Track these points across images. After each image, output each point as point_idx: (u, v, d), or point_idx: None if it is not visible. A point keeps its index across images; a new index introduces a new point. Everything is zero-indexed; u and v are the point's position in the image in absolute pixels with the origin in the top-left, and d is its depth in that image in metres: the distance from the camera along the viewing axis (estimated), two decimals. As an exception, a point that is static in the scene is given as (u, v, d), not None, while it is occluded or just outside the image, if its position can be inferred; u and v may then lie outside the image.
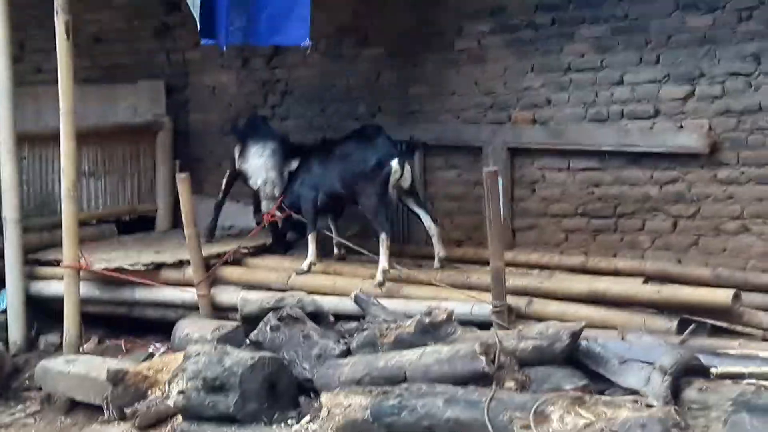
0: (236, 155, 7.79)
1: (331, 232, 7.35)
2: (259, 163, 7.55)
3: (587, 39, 7.15)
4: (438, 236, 6.97)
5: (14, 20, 7.65)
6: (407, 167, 6.79)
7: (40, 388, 6.46)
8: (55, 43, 7.01)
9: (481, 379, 4.82)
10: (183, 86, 9.27)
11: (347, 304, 6.27)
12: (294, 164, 7.45)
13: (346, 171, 6.89)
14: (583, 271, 6.60)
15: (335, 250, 7.39)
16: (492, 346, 4.95)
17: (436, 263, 6.93)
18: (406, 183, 6.84)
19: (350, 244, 7.16)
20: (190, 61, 9.21)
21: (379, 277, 6.54)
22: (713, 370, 4.71)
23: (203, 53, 8.94)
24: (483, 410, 4.42)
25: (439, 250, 6.95)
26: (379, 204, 6.74)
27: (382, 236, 6.59)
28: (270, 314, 5.90)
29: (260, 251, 7.49)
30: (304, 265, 6.98)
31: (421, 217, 7.05)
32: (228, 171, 7.96)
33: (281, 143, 7.59)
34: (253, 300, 6.28)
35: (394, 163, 6.70)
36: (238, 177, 7.81)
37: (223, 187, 7.96)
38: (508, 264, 6.34)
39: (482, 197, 6.14)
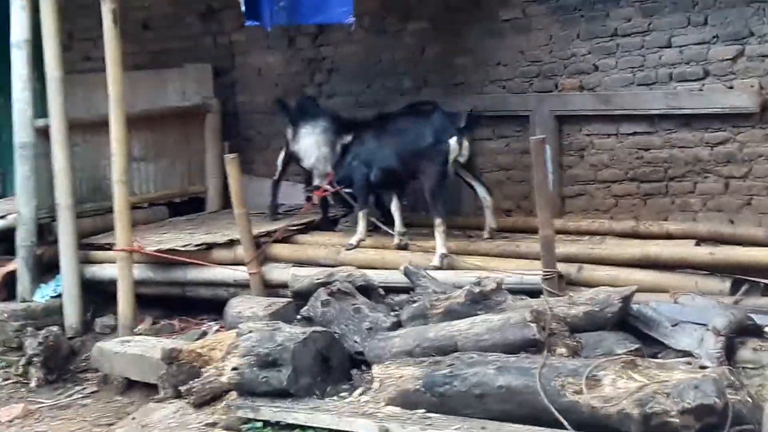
0: (289, 137, 7.81)
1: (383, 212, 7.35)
2: (310, 142, 7.58)
3: (633, 3, 7.04)
4: (491, 207, 6.94)
5: (62, 9, 7.75)
6: (465, 142, 6.71)
7: (97, 370, 6.60)
8: (102, 31, 7.08)
9: (532, 347, 4.82)
10: (230, 68, 9.32)
11: (397, 277, 6.27)
12: (347, 138, 7.42)
13: (404, 147, 6.81)
14: (634, 235, 6.53)
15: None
16: (542, 313, 4.93)
17: (486, 233, 6.90)
18: (463, 158, 6.78)
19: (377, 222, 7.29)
20: (235, 43, 9.26)
21: (436, 262, 6.49)
22: (767, 330, 4.65)
23: (248, 35, 8.97)
24: (535, 377, 4.41)
25: (490, 221, 6.92)
26: (438, 185, 6.69)
27: (438, 221, 6.55)
28: (320, 289, 5.94)
29: (309, 228, 7.51)
30: (353, 240, 6.98)
31: (475, 188, 7.02)
32: (283, 151, 7.98)
33: (331, 120, 7.61)
34: (304, 276, 6.34)
35: (453, 141, 6.65)
36: (292, 158, 7.84)
37: (279, 166, 8.00)
38: (558, 231, 6.32)
39: (531, 166, 6.08)
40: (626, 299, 5.10)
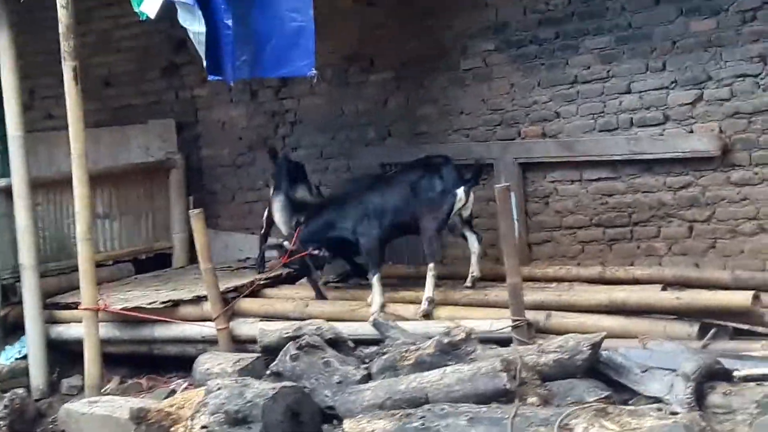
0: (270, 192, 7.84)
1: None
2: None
3: (592, 50, 7.14)
4: (478, 257, 6.90)
5: (23, 68, 7.74)
6: (471, 195, 6.77)
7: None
8: (63, 89, 7.06)
9: (503, 396, 4.81)
10: (193, 123, 9.33)
11: (366, 329, 6.26)
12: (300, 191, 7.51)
13: (413, 199, 6.78)
14: (601, 281, 6.56)
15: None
16: (513, 362, 4.92)
17: (468, 282, 6.85)
18: (466, 212, 6.83)
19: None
20: (198, 98, 9.28)
21: (425, 305, 6.46)
22: (736, 374, 4.67)
23: (211, 89, 9.01)
24: (507, 427, 4.40)
25: (474, 270, 6.85)
26: (437, 232, 6.75)
27: (431, 265, 6.55)
28: (289, 344, 5.89)
29: (277, 282, 7.48)
30: (374, 309, 6.64)
31: (468, 238, 6.97)
32: (268, 208, 7.94)
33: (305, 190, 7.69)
34: (272, 330, 6.30)
35: (460, 192, 6.69)
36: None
37: (264, 221, 7.96)
38: (526, 279, 6.32)
39: (496, 214, 6.11)
40: (595, 346, 5.10)
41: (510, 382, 4.80)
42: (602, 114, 7.11)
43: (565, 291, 6.35)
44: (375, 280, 6.72)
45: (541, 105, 7.38)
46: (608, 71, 7.08)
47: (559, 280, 6.76)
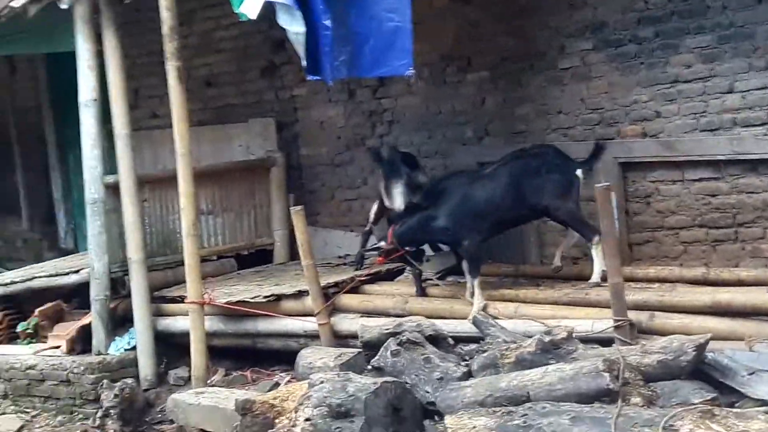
0: (381, 189, 7.72)
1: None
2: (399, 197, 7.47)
3: (693, 49, 7.06)
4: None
5: (128, 69, 7.97)
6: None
7: (172, 421, 6.68)
8: (167, 89, 7.26)
9: (606, 396, 4.80)
10: (292, 122, 9.48)
11: (466, 327, 6.31)
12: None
13: (533, 189, 6.72)
14: (705, 282, 6.46)
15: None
16: (616, 362, 4.92)
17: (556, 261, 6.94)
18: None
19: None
20: (297, 98, 9.43)
21: (596, 277, 6.51)
22: None
23: (310, 89, 9.15)
24: (610, 427, 4.39)
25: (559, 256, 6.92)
26: (579, 212, 6.78)
27: (596, 238, 6.51)
28: (390, 339, 5.98)
29: (377, 278, 7.56)
30: (476, 309, 6.53)
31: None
32: (376, 203, 7.91)
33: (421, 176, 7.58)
34: (373, 326, 6.39)
35: (580, 173, 6.74)
36: (385, 210, 7.75)
37: (372, 217, 7.94)
38: (627, 279, 6.28)
39: (596, 214, 6.10)
40: (700, 347, 5.07)
41: (613, 382, 4.80)
42: (704, 114, 7.03)
43: (668, 292, 6.29)
44: (476, 284, 6.68)
45: (641, 104, 7.32)
46: (710, 70, 6.99)
47: (662, 280, 6.69)
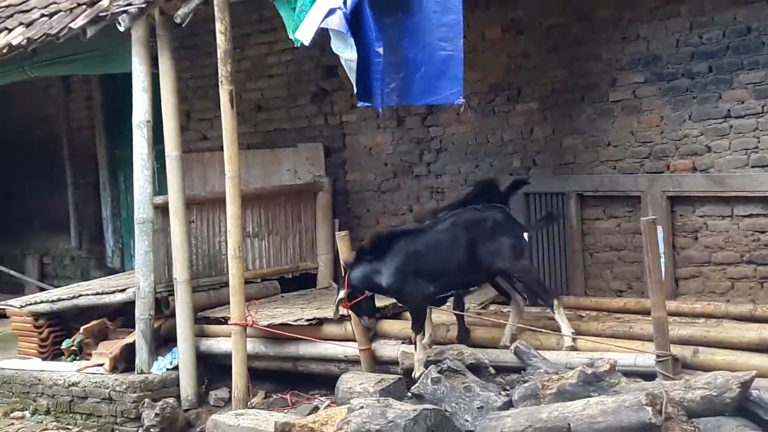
0: None
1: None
2: None
3: (746, 85, 7.00)
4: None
5: (181, 92, 8.07)
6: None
7: (212, 441, 6.69)
8: (218, 112, 7.34)
9: (648, 431, 4.75)
10: (340, 147, 9.53)
11: (507, 356, 6.27)
12: None
13: (486, 253, 6.51)
14: (751, 319, 6.39)
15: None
16: (658, 397, 4.87)
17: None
18: None
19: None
20: (346, 123, 9.48)
21: (569, 342, 6.33)
22: None
23: (359, 115, 9.20)
24: (652, 461, 4.33)
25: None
26: (537, 273, 6.71)
27: (555, 302, 6.45)
28: (431, 367, 5.98)
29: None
30: (417, 373, 6.37)
31: (512, 296, 6.79)
32: None
33: None
34: (413, 353, 6.37)
35: (526, 236, 6.62)
36: None
37: None
38: (672, 314, 6.25)
39: (642, 246, 6.05)
40: (745, 384, 5.01)
41: (655, 417, 4.76)
42: (756, 150, 6.96)
43: (713, 327, 6.22)
44: (418, 339, 6.50)
45: (691, 138, 7.27)
46: (763, 106, 6.93)
47: (707, 316, 6.63)
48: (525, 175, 7.92)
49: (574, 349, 6.28)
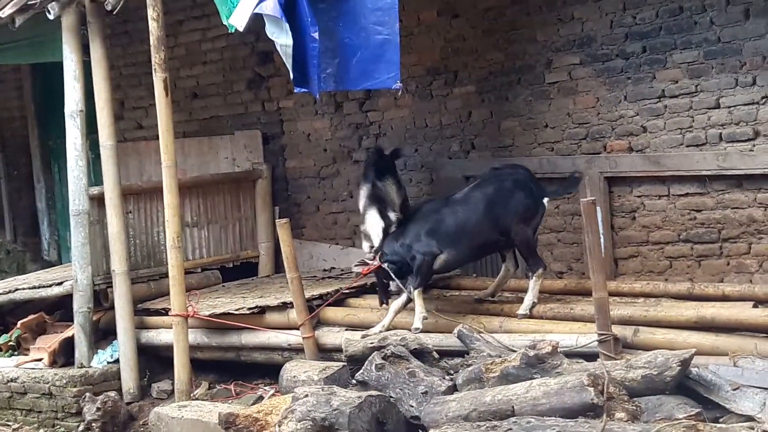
0: None
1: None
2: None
3: (680, 65, 7.07)
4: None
5: (114, 80, 7.94)
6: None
7: (155, 435, 6.63)
8: (152, 100, 7.26)
9: (591, 411, 4.81)
10: (278, 134, 9.46)
11: (450, 341, 6.28)
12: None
13: (501, 215, 6.63)
14: (690, 297, 6.47)
15: None
16: (600, 377, 4.93)
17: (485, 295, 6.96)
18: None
19: None
20: (284, 110, 9.41)
21: (526, 309, 6.48)
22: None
23: (297, 101, 9.15)
24: (595, 442, 4.37)
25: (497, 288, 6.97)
26: (533, 241, 6.77)
27: (540, 271, 6.58)
28: (374, 353, 5.97)
29: (362, 291, 7.54)
30: (417, 322, 6.60)
31: (507, 260, 6.97)
32: None
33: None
34: (357, 340, 6.37)
35: (546, 201, 6.76)
36: None
37: None
38: (612, 294, 6.30)
39: (581, 228, 6.10)
40: (685, 362, 5.08)
41: (597, 397, 4.81)
42: (690, 129, 7.04)
43: (652, 306, 6.30)
44: (417, 293, 6.63)
45: (627, 119, 7.33)
46: (696, 86, 7.01)
47: (647, 295, 6.70)
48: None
49: (527, 317, 6.40)
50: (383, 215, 6.91)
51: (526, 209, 6.64)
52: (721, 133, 6.90)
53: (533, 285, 6.57)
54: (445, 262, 6.73)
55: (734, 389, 4.96)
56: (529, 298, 6.54)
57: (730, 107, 6.86)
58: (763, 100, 6.73)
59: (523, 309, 6.50)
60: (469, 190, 6.85)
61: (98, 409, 6.89)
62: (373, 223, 6.92)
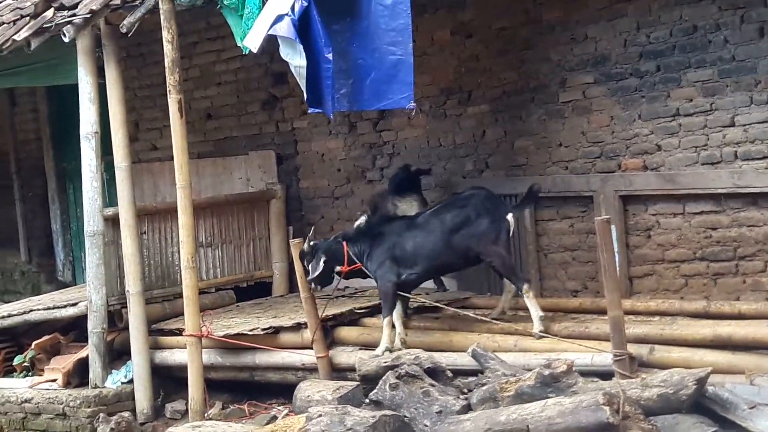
0: None
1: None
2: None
3: (694, 83, 7.04)
4: (512, 291, 6.93)
5: (129, 101, 7.98)
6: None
7: (169, 455, 6.62)
8: (167, 121, 7.28)
9: (606, 430, 4.78)
10: (292, 154, 9.48)
11: (465, 360, 6.26)
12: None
13: (461, 240, 6.75)
14: (706, 316, 6.43)
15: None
16: (615, 396, 4.89)
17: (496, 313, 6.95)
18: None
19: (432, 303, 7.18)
20: (298, 130, 9.44)
21: (538, 326, 6.44)
22: None
23: (311, 121, 9.18)
24: (611, 461, 4.34)
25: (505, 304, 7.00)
26: (510, 258, 6.79)
27: (525, 287, 6.58)
28: (388, 373, 5.95)
29: (376, 311, 7.52)
30: (379, 350, 6.69)
31: None
32: None
33: None
34: (371, 359, 6.36)
35: (510, 217, 6.76)
36: None
37: None
38: (627, 312, 6.26)
39: (596, 246, 6.07)
40: (701, 381, 5.04)
41: (613, 416, 4.77)
42: (705, 147, 7.00)
43: (668, 325, 6.26)
44: (385, 323, 6.74)
45: (642, 138, 7.30)
46: (711, 104, 6.98)
47: (662, 313, 6.66)
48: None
49: (544, 333, 6.37)
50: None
51: (488, 231, 6.70)
52: (736, 151, 6.86)
53: (529, 302, 6.55)
54: (405, 283, 6.85)
55: (751, 408, 4.91)
56: (534, 314, 6.51)
57: (745, 125, 6.83)
58: (778, 118, 6.70)
59: (536, 327, 6.46)
60: (429, 215, 6.95)
61: (112, 429, 6.84)
62: None
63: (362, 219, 7.13)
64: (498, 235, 6.70)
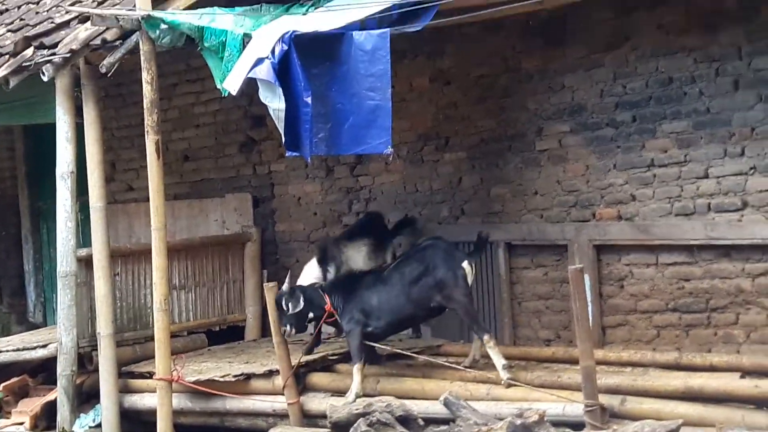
0: None
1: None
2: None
3: (669, 134, 7.10)
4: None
5: (106, 142, 7.95)
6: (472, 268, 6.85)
7: (136, 501, 6.53)
8: (144, 162, 7.26)
9: (577, 481, 4.74)
10: (269, 197, 9.47)
11: (437, 408, 6.20)
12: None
13: (421, 291, 6.80)
14: (677, 367, 6.42)
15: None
16: (586, 447, 4.87)
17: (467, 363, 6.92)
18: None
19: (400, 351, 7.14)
20: (275, 173, 9.43)
21: (504, 375, 6.41)
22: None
23: (288, 164, 9.17)
24: None
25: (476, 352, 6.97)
26: (471, 306, 6.80)
27: (486, 337, 6.57)
28: (360, 420, 5.91)
29: (348, 357, 7.46)
30: (350, 396, 6.69)
31: None
32: None
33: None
34: (342, 406, 6.30)
35: (465, 264, 6.76)
36: None
37: None
38: (599, 362, 6.25)
39: (569, 295, 6.07)
40: (672, 433, 5.03)
41: (584, 467, 4.75)
42: (679, 198, 7.04)
43: (640, 376, 6.24)
44: (355, 369, 6.78)
45: (616, 187, 7.34)
46: (685, 155, 7.03)
47: (634, 364, 6.65)
48: (415, 216, 8.31)
49: (512, 381, 6.34)
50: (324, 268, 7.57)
51: (445, 279, 6.74)
52: (709, 203, 6.90)
53: (491, 352, 6.53)
54: (372, 334, 6.91)
55: (721, 461, 4.90)
56: (497, 363, 6.47)
57: (718, 177, 6.88)
58: (752, 170, 6.74)
59: (502, 375, 6.42)
60: (392, 269, 7.04)
61: (79, 474, 6.79)
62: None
63: (312, 262, 7.28)
64: (456, 282, 6.72)
